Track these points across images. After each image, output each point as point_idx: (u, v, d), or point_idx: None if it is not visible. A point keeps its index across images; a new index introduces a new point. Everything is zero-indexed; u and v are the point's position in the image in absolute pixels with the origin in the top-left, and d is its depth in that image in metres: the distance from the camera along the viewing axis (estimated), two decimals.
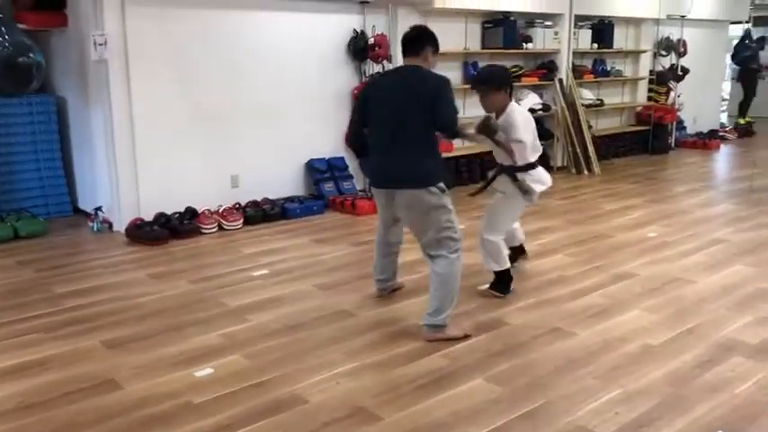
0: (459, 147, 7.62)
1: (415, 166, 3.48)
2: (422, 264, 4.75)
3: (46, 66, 6.24)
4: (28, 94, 5.43)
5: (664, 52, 10.06)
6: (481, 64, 7.73)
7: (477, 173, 7.74)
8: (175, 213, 5.64)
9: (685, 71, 10.10)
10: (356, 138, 3.84)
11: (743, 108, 12.06)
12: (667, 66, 10.08)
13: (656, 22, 9.76)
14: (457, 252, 3.57)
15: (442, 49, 7.40)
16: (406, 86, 3.49)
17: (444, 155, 7.00)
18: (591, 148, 8.35)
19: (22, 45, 4.81)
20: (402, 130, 3.46)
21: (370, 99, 3.63)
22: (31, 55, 4.83)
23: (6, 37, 4.78)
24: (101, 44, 5.23)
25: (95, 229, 5.66)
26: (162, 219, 5.53)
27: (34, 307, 4.02)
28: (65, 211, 6.16)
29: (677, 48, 10.03)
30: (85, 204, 6.14)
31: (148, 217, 5.56)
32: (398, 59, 6.79)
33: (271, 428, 2.71)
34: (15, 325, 3.75)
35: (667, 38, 9.98)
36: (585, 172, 8.27)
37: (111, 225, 5.73)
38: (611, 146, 9.41)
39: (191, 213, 5.68)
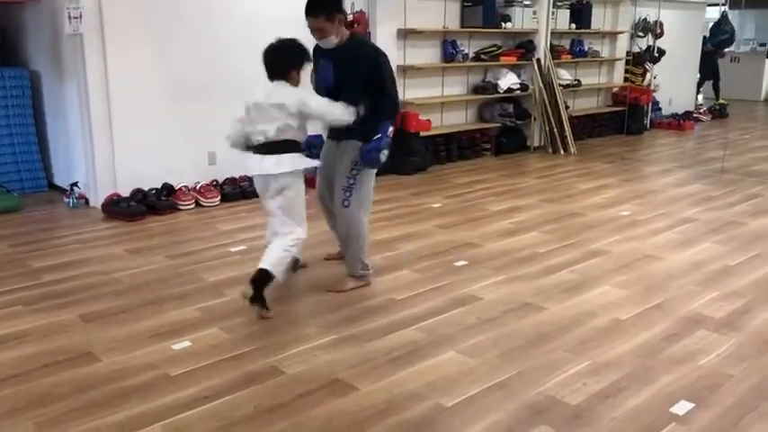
0: (438, 126, 7.67)
1: None
2: (398, 240, 4.83)
3: (19, 39, 6.17)
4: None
5: (641, 33, 10.15)
6: (460, 42, 7.77)
7: (455, 151, 7.81)
8: (152, 189, 5.62)
9: (662, 52, 10.21)
10: None
11: (701, 87, 12.37)
12: (644, 47, 10.17)
13: (634, 3, 9.83)
14: None
15: (421, 26, 7.49)
16: None
17: (423, 134, 7.13)
18: (567, 128, 8.43)
19: None
20: None
21: None
22: None
23: None
24: (75, 17, 5.16)
25: (71, 204, 5.63)
26: (139, 195, 5.51)
27: (11, 281, 4.01)
28: (40, 186, 6.11)
29: (654, 29, 10.12)
30: (61, 180, 6.10)
31: (125, 193, 5.54)
32: (377, 36, 6.82)
33: (247, 399, 2.76)
34: None
35: (644, 19, 10.06)
36: (561, 152, 8.36)
37: (87, 201, 5.70)
38: (588, 126, 9.51)
39: (168, 190, 5.67)
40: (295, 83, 3.64)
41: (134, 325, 3.43)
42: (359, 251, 3.92)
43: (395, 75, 3.82)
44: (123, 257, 4.48)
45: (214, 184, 5.96)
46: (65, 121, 5.85)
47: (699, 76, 12.08)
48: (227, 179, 6.08)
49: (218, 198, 5.80)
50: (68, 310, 3.61)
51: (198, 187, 5.83)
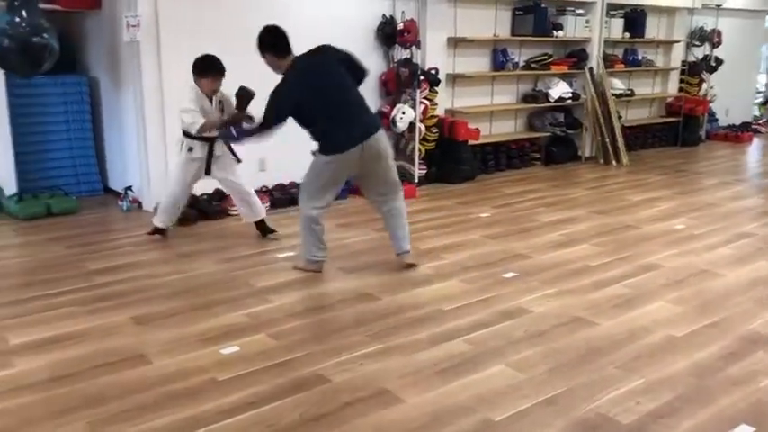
0: (486, 134, 7.61)
1: (373, 114, 4.40)
2: (445, 250, 4.80)
3: (80, 47, 6.37)
4: (40, 74, 5.37)
5: (697, 42, 9.90)
6: (510, 51, 7.70)
7: (503, 161, 7.73)
8: (204, 195, 5.71)
9: (719, 62, 9.93)
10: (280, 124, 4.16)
11: None
12: (700, 56, 9.91)
13: (691, 11, 9.60)
14: None
15: (471, 35, 7.41)
16: (328, 63, 4.12)
17: (471, 143, 7.08)
18: (620, 139, 8.27)
19: (38, 26, 4.84)
20: (351, 95, 4.17)
21: (304, 98, 4.02)
22: (45, 36, 4.84)
23: (24, 17, 4.80)
24: (133, 26, 5.29)
25: (125, 208, 5.77)
26: (191, 200, 5.59)
27: (67, 282, 4.12)
28: (95, 189, 6.28)
29: (711, 38, 9.86)
30: (115, 184, 6.25)
31: None
32: (427, 45, 6.81)
33: (293, 406, 2.76)
34: (50, 299, 3.85)
35: (701, 28, 9.81)
36: (613, 162, 8.19)
37: (140, 204, 5.83)
38: (641, 137, 9.31)
39: (219, 195, 5.75)
40: (202, 88, 4.65)
41: (184, 328, 3.48)
42: (302, 239, 4.32)
43: (279, 99, 4.04)
44: (174, 261, 4.55)
45: (264, 191, 6.03)
46: (120, 126, 5.99)
47: None
48: (276, 185, 6.14)
49: (268, 204, 5.84)
50: (121, 312, 3.69)
51: None
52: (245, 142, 4.37)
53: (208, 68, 4.63)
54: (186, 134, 4.68)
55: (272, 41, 4.13)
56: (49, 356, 3.16)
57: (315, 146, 4.18)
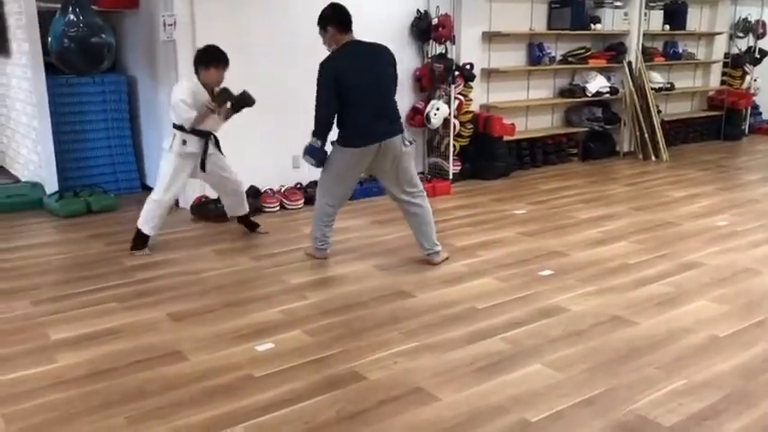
0: (522, 130, 7.52)
1: (399, 118, 4.37)
2: (480, 247, 4.76)
3: (118, 46, 6.45)
4: (99, 72, 5.59)
5: (741, 34, 9.63)
6: (547, 45, 7.59)
7: (539, 156, 7.63)
8: None
9: (763, 54, 9.66)
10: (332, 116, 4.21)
11: None
12: (744, 48, 9.65)
13: (734, 2, 9.35)
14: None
15: (506, 29, 7.34)
16: (381, 58, 4.24)
17: (506, 138, 7.00)
18: (659, 134, 8.10)
19: (95, 26, 4.98)
20: (389, 94, 4.28)
21: (346, 77, 4.08)
22: (103, 35, 5.00)
23: (81, 18, 4.95)
24: (170, 25, 5.36)
25: None
26: None
27: (106, 279, 4.19)
28: (133, 187, 6.37)
29: (755, 29, 9.59)
30: (153, 181, 6.29)
31: (213, 195, 5.67)
32: (461, 39, 6.76)
33: (330, 403, 2.75)
34: (88, 295, 3.92)
35: (745, 19, 9.55)
36: (653, 158, 8.03)
37: (176, 202, 5.87)
38: (681, 131, 9.11)
39: (253, 192, 5.78)
40: (204, 79, 4.56)
41: (220, 325, 3.50)
42: (313, 226, 4.48)
43: (324, 88, 4.14)
44: (210, 258, 4.59)
45: (298, 187, 6.05)
46: (157, 124, 6.06)
47: None
48: (310, 182, 6.14)
49: (302, 201, 5.88)
50: (158, 308, 3.73)
51: (282, 190, 5.93)
52: (321, 146, 4.22)
53: (213, 59, 4.55)
54: (179, 127, 4.57)
55: (338, 16, 4.22)
56: (88, 352, 3.21)
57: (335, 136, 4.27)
